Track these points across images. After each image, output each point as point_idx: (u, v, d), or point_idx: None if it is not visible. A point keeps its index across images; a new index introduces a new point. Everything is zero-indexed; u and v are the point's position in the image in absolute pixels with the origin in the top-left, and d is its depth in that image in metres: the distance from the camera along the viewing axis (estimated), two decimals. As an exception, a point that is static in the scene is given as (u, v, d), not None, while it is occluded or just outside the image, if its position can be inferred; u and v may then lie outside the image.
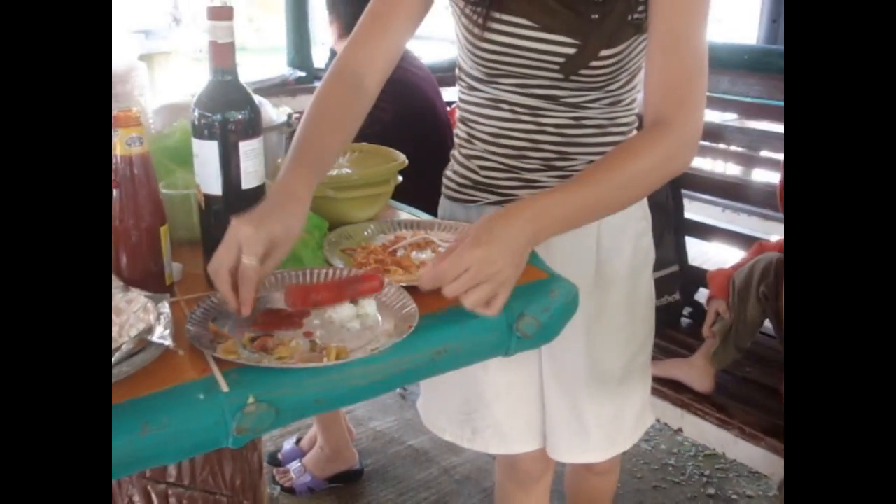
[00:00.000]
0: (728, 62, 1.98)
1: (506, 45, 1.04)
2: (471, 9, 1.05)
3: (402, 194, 1.27)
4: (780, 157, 2.35)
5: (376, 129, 1.70)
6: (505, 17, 1.03)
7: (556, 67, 1.04)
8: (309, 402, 0.80)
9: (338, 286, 0.88)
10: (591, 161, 1.12)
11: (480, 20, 1.04)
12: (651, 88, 0.98)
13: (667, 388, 1.77)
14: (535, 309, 0.93)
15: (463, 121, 1.19)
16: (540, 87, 1.08)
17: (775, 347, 1.77)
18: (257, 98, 0.97)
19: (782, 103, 2.08)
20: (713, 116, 2.44)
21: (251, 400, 0.74)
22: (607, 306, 1.19)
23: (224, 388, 0.75)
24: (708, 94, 2.04)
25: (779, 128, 2.17)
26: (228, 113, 0.90)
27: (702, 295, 2.05)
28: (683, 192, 2.14)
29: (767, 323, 1.76)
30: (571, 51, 1.02)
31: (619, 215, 1.06)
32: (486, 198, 1.17)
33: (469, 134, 1.18)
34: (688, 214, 2.15)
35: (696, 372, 1.77)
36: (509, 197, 1.15)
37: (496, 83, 1.10)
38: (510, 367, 1.18)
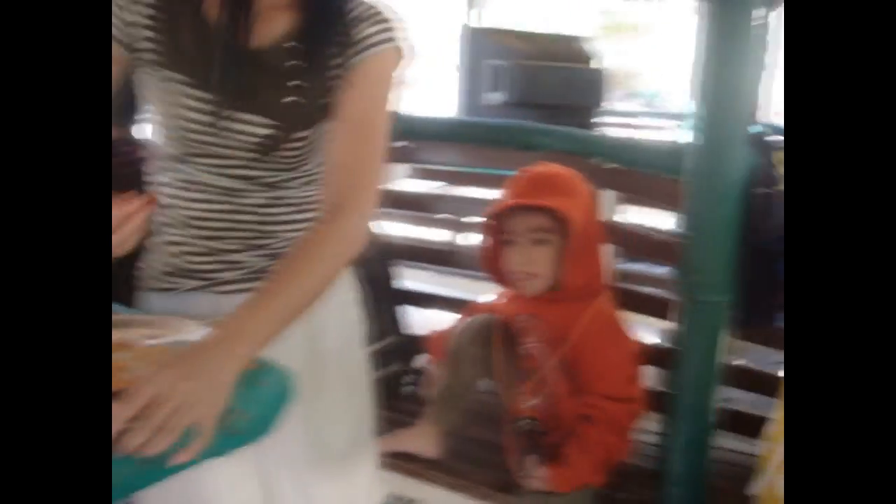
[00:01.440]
0: (430, 134, 2.08)
1: (208, 125, 1.04)
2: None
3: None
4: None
5: None
6: (209, 95, 1.02)
7: (254, 147, 1.06)
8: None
9: None
10: (291, 238, 1.14)
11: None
12: (330, 171, 1.07)
13: (398, 460, 1.76)
14: (246, 402, 0.88)
15: (159, 205, 1.14)
16: (237, 168, 1.09)
17: (494, 404, 1.84)
18: None
19: (483, 170, 2.25)
20: (422, 186, 2.56)
21: None
22: (324, 382, 1.18)
23: None
24: (415, 165, 2.15)
25: (481, 193, 2.31)
26: None
27: (424, 362, 2.09)
28: (397, 261, 2.18)
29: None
30: (269, 131, 1.05)
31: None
32: (187, 283, 1.13)
33: (167, 218, 1.13)
34: (404, 283, 2.21)
35: (422, 439, 1.79)
36: (212, 280, 1.12)
37: (194, 163, 1.08)
38: (230, 462, 1.11)
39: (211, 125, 1.04)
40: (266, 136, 1.05)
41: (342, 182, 1.03)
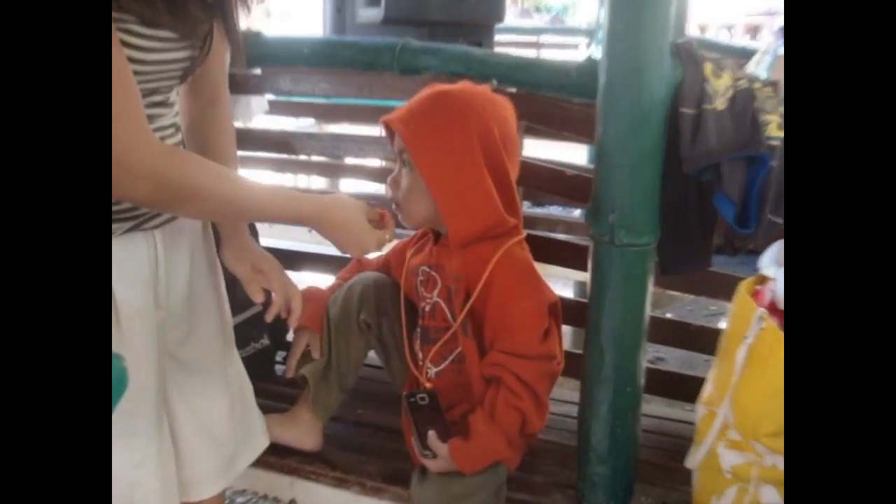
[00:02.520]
0: (292, 58, 1.99)
1: (149, 62, 1.11)
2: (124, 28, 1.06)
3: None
4: (364, 162, 2.44)
5: None
6: (154, 32, 1.09)
7: (180, 74, 1.19)
8: None
9: None
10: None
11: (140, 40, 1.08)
12: (208, 77, 1.32)
13: (271, 456, 1.68)
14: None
15: None
16: (161, 94, 1.20)
17: (384, 380, 1.80)
18: None
19: (359, 101, 2.19)
20: (285, 123, 2.45)
21: None
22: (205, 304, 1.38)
23: None
24: (273, 98, 2.07)
25: (359, 129, 2.24)
26: None
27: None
28: (260, 216, 2.08)
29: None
30: (195, 54, 1.19)
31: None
32: (121, 227, 1.18)
33: None
34: (268, 242, 2.11)
35: (301, 428, 1.73)
36: (142, 216, 1.19)
37: None
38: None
39: (152, 62, 1.12)
40: (190, 61, 1.19)
41: (218, 83, 1.35)
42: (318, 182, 2.79)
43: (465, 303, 1.57)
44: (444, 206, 1.53)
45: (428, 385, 1.64)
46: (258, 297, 1.37)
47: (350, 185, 2.42)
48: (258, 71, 2.06)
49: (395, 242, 1.80)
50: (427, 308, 1.64)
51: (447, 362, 1.62)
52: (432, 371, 1.63)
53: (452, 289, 1.58)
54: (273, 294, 1.40)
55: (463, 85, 1.59)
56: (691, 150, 1.41)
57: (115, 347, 1.08)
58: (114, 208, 1.16)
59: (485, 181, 1.54)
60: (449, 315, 1.60)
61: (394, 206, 1.60)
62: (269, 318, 1.41)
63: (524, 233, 1.64)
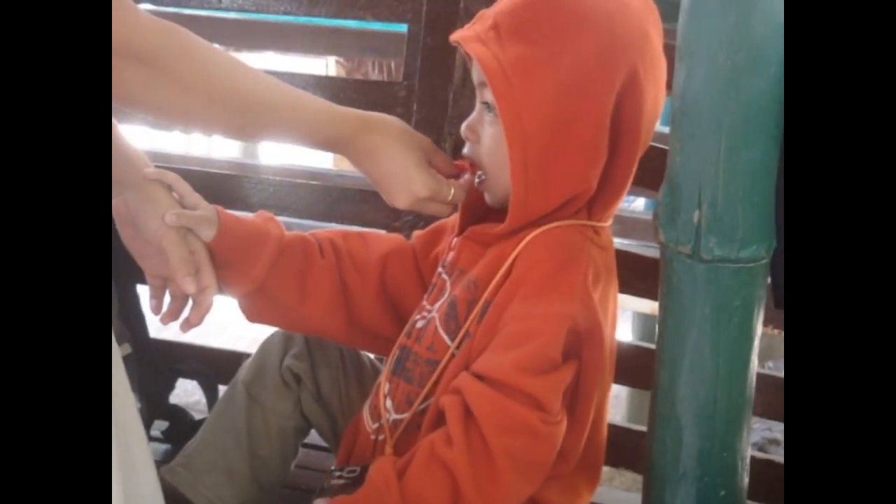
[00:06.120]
0: None
1: None
2: None
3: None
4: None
5: None
6: None
7: None
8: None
9: None
10: None
11: None
12: None
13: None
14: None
15: None
16: None
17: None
18: None
19: (285, 18, 2.14)
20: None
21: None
22: None
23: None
24: (153, 8, 2.21)
25: (288, 62, 2.28)
26: None
27: (188, 392, 1.98)
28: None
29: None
30: None
31: None
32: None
33: None
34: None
35: None
36: None
37: None
38: None
39: None
40: None
41: None
42: (226, 147, 2.69)
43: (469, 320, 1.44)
44: (519, 169, 1.39)
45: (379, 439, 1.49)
46: (191, 288, 1.38)
47: (274, 153, 2.30)
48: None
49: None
50: (419, 325, 1.54)
51: (415, 408, 1.46)
52: (391, 416, 1.48)
53: (459, 299, 1.45)
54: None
55: None
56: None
57: None
58: None
59: (592, 138, 1.42)
60: (446, 339, 1.46)
61: (471, 168, 1.52)
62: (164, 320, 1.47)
63: (607, 222, 1.51)
